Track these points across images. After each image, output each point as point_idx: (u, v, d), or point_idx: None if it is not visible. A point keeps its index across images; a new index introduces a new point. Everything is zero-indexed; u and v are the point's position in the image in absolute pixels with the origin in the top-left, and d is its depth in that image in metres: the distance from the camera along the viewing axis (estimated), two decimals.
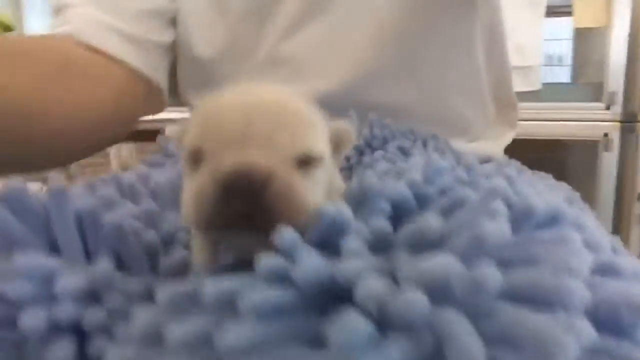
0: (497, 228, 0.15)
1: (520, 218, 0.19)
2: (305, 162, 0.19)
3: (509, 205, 0.18)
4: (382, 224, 0.18)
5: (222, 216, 0.17)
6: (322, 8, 0.51)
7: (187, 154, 0.19)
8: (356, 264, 0.14)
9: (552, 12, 1.34)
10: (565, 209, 0.19)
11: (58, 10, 0.49)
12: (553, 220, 0.19)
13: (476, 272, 0.13)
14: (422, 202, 0.22)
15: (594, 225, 0.28)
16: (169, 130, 0.19)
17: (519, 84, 1.22)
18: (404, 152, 0.43)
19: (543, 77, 1.36)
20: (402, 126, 0.46)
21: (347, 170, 0.43)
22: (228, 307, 0.14)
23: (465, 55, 0.52)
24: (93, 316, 0.18)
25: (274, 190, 0.17)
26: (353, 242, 0.16)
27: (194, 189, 0.18)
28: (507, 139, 0.59)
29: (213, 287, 0.14)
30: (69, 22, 0.46)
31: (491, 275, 0.13)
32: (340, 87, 0.51)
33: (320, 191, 0.20)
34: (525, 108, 1.18)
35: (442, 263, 0.13)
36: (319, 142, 0.20)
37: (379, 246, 0.17)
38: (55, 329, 0.18)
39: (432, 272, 0.13)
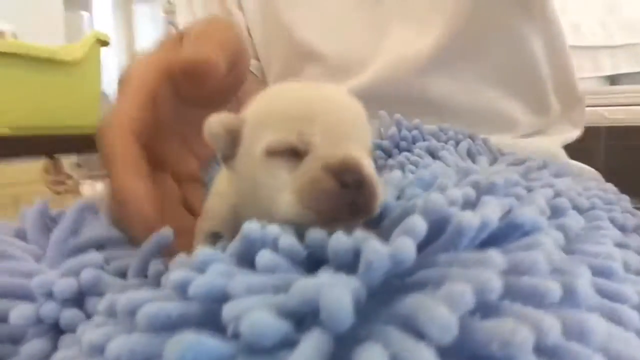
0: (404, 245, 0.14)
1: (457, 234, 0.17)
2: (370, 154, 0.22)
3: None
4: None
5: (340, 204, 0.19)
6: None
7: (275, 149, 0.21)
8: (247, 281, 0.14)
9: None
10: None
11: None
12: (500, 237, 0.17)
13: None
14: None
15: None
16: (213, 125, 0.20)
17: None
18: (432, 154, 0.41)
19: None
20: (432, 126, 0.44)
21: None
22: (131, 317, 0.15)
23: (513, 48, 0.48)
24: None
25: (370, 181, 0.20)
26: (265, 257, 0.16)
27: (308, 180, 0.20)
28: (569, 136, 0.54)
29: (125, 298, 0.15)
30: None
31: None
32: (377, 81, 0.51)
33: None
34: None
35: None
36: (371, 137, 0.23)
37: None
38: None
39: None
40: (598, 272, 0.21)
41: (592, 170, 0.53)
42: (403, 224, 0.16)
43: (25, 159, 1.04)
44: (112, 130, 0.25)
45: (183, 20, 0.64)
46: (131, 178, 0.23)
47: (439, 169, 0.27)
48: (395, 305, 0.14)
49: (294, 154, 0.20)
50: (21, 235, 0.27)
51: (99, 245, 0.26)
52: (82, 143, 1.11)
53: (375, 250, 0.14)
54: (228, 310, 0.13)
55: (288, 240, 0.16)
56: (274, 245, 0.16)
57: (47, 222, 0.28)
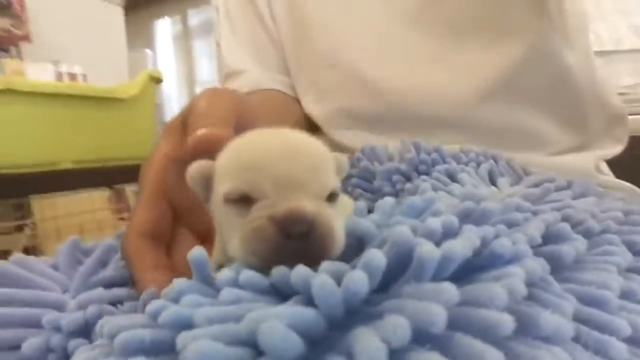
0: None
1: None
2: (331, 198, 0.23)
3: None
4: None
5: (282, 253, 0.20)
6: None
7: (230, 197, 0.22)
8: (210, 311, 0.15)
9: None
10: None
11: (233, 74, 0.62)
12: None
13: None
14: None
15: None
16: (191, 171, 0.22)
17: None
18: (451, 177, 0.41)
19: None
20: (455, 146, 0.44)
21: (393, 195, 0.42)
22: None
23: (549, 68, 0.47)
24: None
25: (320, 230, 0.20)
26: (227, 291, 0.17)
27: (252, 229, 0.21)
28: (609, 152, 0.51)
29: (108, 324, 0.17)
30: (249, 81, 0.59)
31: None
32: (412, 106, 0.51)
33: (342, 217, 0.23)
34: None
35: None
36: (334, 177, 0.24)
37: None
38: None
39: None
40: (588, 301, 0.20)
41: (631, 187, 0.49)
42: (362, 256, 0.17)
43: (88, 190, 1.13)
44: (126, 236, 0.28)
45: (225, 43, 0.67)
46: (148, 272, 0.26)
47: (434, 195, 0.27)
48: (346, 335, 0.15)
49: (247, 201, 0.21)
50: (56, 267, 0.30)
51: (122, 283, 0.28)
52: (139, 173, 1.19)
53: (323, 284, 0.15)
54: (180, 339, 0.14)
55: (248, 273, 0.17)
56: (235, 280, 0.17)
57: (79, 256, 0.31)
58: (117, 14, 2.46)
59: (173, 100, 4.19)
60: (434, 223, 0.20)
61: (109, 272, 0.27)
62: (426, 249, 0.17)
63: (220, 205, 0.22)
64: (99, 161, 1.07)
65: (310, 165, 0.22)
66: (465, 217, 0.23)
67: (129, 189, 1.58)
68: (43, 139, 0.98)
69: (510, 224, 0.24)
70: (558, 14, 0.47)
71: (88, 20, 2.29)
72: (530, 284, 0.18)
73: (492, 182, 0.41)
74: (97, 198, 1.23)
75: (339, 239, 0.21)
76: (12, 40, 1.85)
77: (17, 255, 0.28)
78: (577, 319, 0.19)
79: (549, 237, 0.24)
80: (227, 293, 0.17)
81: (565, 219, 0.27)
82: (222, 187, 0.22)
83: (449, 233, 0.21)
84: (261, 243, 0.20)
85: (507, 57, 0.47)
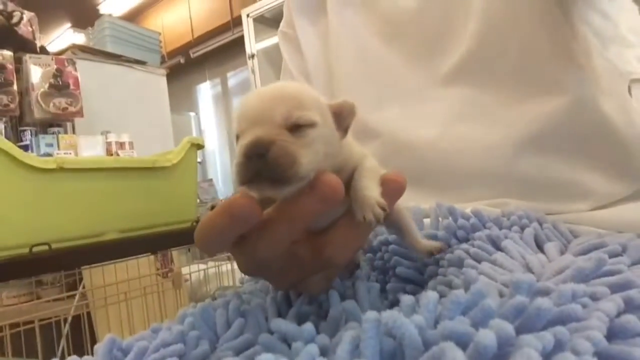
0: None
1: None
2: (298, 127, 0.28)
3: None
4: None
5: (247, 174, 0.27)
6: None
7: (235, 139, 0.29)
8: None
9: None
10: None
11: None
12: None
13: None
14: None
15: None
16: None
17: None
18: (494, 243, 0.38)
19: None
20: (494, 210, 0.41)
21: (434, 265, 0.40)
22: None
23: (577, 111, 0.44)
24: None
25: (273, 152, 0.26)
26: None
27: (235, 159, 0.27)
28: None
29: None
30: None
31: None
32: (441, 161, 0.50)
33: (316, 145, 0.28)
34: None
35: None
36: (309, 113, 0.29)
37: None
38: None
39: None
40: None
41: None
42: None
43: (134, 257, 1.16)
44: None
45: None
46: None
47: (481, 287, 0.25)
48: None
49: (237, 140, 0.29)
50: None
51: None
52: (182, 238, 1.21)
53: None
54: None
55: None
56: None
57: (115, 352, 0.31)
58: (160, 82, 2.62)
59: (216, 156, 4.36)
60: (488, 338, 0.18)
61: None
62: None
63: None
64: (142, 229, 1.11)
65: (276, 102, 0.28)
66: (517, 317, 0.21)
67: (176, 252, 1.61)
68: (90, 212, 1.03)
69: (569, 319, 0.21)
70: (588, 64, 0.45)
71: (134, 91, 2.45)
72: None
73: (539, 246, 0.38)
74: (142, 264, 1.26)
75: (299, 162, 0.27)
76: (67, 116, 2.01)
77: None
78: None
79: (614, 333, 0.21)
80: None
81: (628, 302, 0.24)
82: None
83: (503, 345, 0.18)
84: (237, 165, 0.27)
85: (542, 109, 0.46)
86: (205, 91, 4.48)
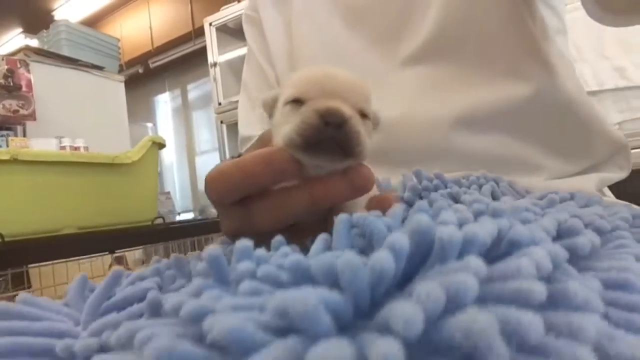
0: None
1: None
2: (362, 116, 0.30)
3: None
4: None
5: (319, 136, 0.27)
6: None
7: (288, 99, 0.30)
8: (233, 301, 0.15)
9: None
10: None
11: (246, 140, 0.65)
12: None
13: None
14: None
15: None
16: (263, 98, 0.34)
17: None
18: (455, 199, 0.41)
19: None
20: (456, 173, 0.44)
21: None
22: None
23: (540, 98, 0.49)
24: None
25: (351, 125, 0.27)
26: (246, 284, 0.17)
27: (299, 120, 0.28)
28: (610, 177, 0.51)
29: (124, 327, 0.17)
30: None
31: None
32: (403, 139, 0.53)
33: (368, 135, 0.30)
34: None
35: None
36: (369, 107, 0.31)
37: None
38: None
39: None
40: (612, 285, 0.19)
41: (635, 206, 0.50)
42: (385, 241, 0.17)
43: (91, 256, 1.12)
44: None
45: (241, 111, 0.71)
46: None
47: (442, 203, 0.27)
48: (377, 315, 0.15)
49: (299, 102, 0.29)
50: (67, 304, 0.29)
51: (139, 299, 0.27)
52: (142, 238, 1.18)
53: (350, 263, 0.15)
54: (207, 322, 0.14)
55: (267, 268, 0.17)
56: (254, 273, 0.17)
57: (87, 292, 0.31)
58: (118, 89, 2.57)
59: (174, 169, 4.26)
60: (450, 216, 0.20)
61: (119, 295, 0.26)
62: (448, 232, 0.16)
63: (281, 107, 0.31)
64: (101, 226, 1.07)
65: (350, 87, 0.30)
66: (478, 216, 0.23)
67: (129, 255, 1.56)
68: (46, 207, 0.99)
69: (523, 222, 0.24)
70: (547, 48, 0.49)
71: (91, 97, 2.38)
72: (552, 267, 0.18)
73: (496, 200, 0.41)
74: (96, 266, 1.21)
75: (365, 143, 0.28)
76: (17, 119, 1.92)
77: (24, 295, 0.28)
78: (604, 301, 0.18)
79: (563, 233, 0.24)
80: (246, 285, 0.16)
81: (572, 217, 0.27)
82: (285, 94, 0.31)
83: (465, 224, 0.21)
84: (306, 126, 0.27)
85: (502, 92, 0.49)
86: (164, 102, 4.41)
